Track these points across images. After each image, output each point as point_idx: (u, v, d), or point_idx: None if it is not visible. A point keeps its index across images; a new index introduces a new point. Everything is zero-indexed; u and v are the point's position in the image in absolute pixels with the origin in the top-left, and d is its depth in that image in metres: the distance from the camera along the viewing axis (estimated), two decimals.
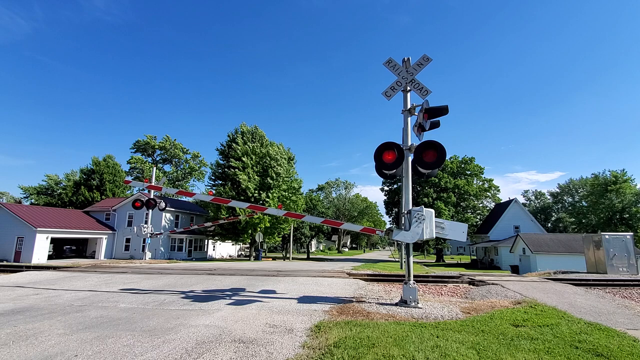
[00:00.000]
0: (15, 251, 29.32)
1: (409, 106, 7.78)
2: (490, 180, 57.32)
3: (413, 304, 6.71)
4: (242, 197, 37.05)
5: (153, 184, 27.10)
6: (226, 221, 28.94)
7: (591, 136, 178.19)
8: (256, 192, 37.14)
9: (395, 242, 7.58)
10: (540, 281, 11.67)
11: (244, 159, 37.97)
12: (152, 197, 24.10)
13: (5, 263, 21.77)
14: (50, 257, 30.77)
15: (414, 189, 49.71)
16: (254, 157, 38.84)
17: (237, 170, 37.25)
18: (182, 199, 61.64)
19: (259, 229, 37.17)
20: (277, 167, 39.44)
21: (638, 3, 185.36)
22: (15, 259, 28.75)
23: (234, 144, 39.19)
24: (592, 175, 61.70)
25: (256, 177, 38.29)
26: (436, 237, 6.78)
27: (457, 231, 7.05)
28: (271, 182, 38.51)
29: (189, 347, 4.16)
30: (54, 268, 15.71)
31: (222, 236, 40.45)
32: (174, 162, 70.55)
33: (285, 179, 40.56)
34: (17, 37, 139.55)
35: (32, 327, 5.04)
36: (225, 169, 39.54)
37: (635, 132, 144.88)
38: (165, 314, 5.96)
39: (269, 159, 39.76)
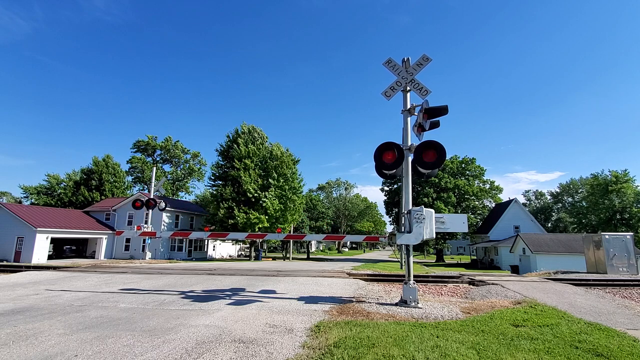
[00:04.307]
0: (15, 251, 29.30)
1: (408, 106, 7.77)
2: (492, 182, 57.33)
3: (413, 304, 6.71)
4: (243, 198, 37.16)
5: (153, 184, 27.15)
6: (225, 238, 29.02)
7: (591, 136, 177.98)
8: (256, 192, 37.28)
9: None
10: (540, 281, 11.66)
11: (246, 160, 38.03)
12: (152, 196, 24.13)
13: (5, 263, 21.76)
14: (50, 257, 30.76)
15: (414, 189, 49.71)
16: (254, 159, 38.89)
17: (239, 171, 37.34)
18: (181, 199, 61.75)
19: (257, 229, 37.19)
20: (279, 167, 39.47)
21: (638, 3, 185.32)
22: (15, 259, 28.74)
23: (234, 145, 39.23)
24: (592, 175, 61.67)
25: (258, 178, 38.38)
26: (437, 236, 6.83)
27: (457, 223, 7.06)
28: (272, 182, 38.58)
29: (189, 347, 4.16)
30: (54, 268, 15.71)
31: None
32: (173, 162, 70.53)
33: (289, 177, 40.59)
34: (17, 37, 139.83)
35: (32, 327, 5.03)
36: (226, 170, 39.58)
37: (635, 132, 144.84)
38: (165, 314, 5.96)
39: (270, 159, 39.80)
